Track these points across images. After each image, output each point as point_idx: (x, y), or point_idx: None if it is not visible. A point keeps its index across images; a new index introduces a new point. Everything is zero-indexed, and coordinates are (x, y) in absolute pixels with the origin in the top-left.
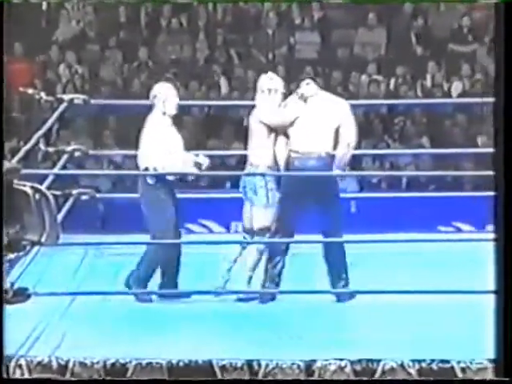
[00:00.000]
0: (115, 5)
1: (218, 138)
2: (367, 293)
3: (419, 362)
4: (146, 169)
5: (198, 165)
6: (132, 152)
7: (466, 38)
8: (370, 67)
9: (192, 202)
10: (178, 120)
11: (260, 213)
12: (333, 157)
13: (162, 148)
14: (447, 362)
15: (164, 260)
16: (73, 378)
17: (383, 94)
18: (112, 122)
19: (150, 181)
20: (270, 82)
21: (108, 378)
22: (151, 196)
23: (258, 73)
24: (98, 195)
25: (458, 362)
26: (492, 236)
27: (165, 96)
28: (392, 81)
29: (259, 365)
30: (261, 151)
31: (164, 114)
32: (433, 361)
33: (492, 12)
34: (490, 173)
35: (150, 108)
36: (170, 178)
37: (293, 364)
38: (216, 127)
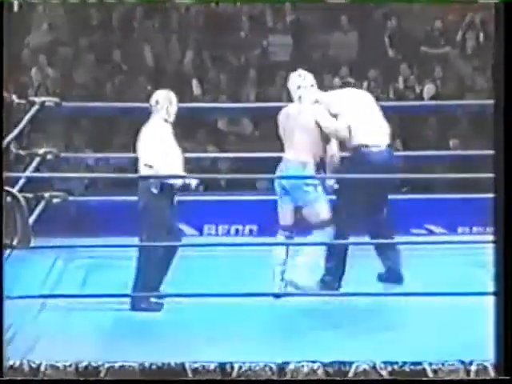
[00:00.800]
0: (87, 7)
1: (193, 140)
2: (367, 295)
3: (391, 363)
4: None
5: (186, 185)
6: (104, 154)
7: (439, 40)
8: (343, 70)
9: None
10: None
11: (314, 208)
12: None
13: (164, 156)
14: (419, 363)
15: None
16: (73, 378)
17: None
18: (84, 124)
19: (154, 190)
20: (300, 80)
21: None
22: (154, 205)
23: (231, 75)
24: (70, 198)
25: (430, 364)
26: (491, 238)
27: (167, 102)
28: (365, 83)
29: (232, 367)
30: (308, 149)
31: (166, 120)
32: (405, 363)
33: (465, 14)
34: (490, 175)
35: (122, 110)
36: (175, 186)
37: (265, 366)
38: (190, 130)
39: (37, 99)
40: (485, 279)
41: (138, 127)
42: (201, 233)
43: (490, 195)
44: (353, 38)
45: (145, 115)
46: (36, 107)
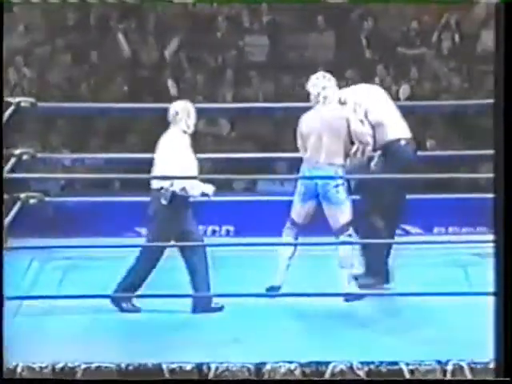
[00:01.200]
0: (64, 7)
1: None
2: (368, 295)
3: (368, 364)
4: (161, 188)
5: (204, 194)
6: (81, 155)
7: (415, 41)
8: (319, 70)
9: (141, 205)
10: (128, 123)
11: (341, 209)
12: None
13: (181, 168)
14: (395, 363)
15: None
16: (75, 379)
17: None
18: (61, 124)
19: (164, 201)
20: (325, 81)
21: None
22: (163, 215)
23: (207, 76)
24: (46, 199)
25: (407, 364)
26: (491, 238)
27: (186, 114)
28: (341, 84)
29: (209, 367)
30: (339, 152)
31: (185, 132)
32: (381, 363)
33: (441, 15)
34: (490, 175)
35: (101, 111)
36: (192, 197)
37: (243, 367)
38: (166, 130)
39: (12, 100)
40: (461, 279)
41: (115, 127)
42: None
43: (467, 195)
44: (329, 39)
45: (121, 115)
46: (12, 108)
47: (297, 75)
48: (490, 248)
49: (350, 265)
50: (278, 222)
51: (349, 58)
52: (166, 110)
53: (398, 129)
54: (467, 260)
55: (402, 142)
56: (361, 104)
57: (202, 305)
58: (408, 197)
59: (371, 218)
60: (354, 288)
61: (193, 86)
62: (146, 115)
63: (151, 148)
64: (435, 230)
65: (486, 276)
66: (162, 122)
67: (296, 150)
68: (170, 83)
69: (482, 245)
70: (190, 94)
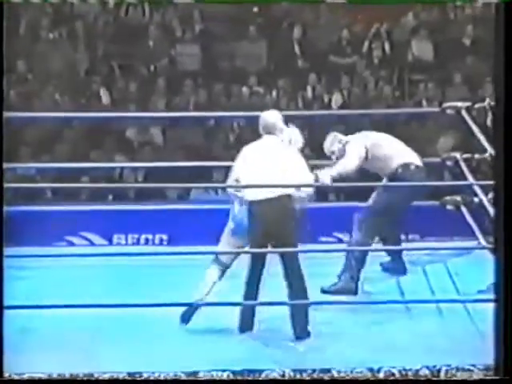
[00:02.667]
0: None
1: (101, 149)
2: (365, 303)
3: (300, 371)
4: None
5: None
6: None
7: (346, 50)
8: (251, 79)
9: (73, 214)
10: (59, 132)
11: None
12: None
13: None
14: (328, 370)
15: None
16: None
17: (265, 106)
18: None
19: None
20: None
21: None
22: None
23: (140, 84)
24: None
25: (339, 372)
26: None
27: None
28: (273, 93)
29: (141, 376)
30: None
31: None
32: (314, 370)
33: (371, 24)
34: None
35: (31, 119)
36: None
37: (175, 375)
38: (98, 139)
39: None
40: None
41: (46, 136)
42: (110, 242)
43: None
44: (261, 48)
45: (53, 124)
46: None
47: (229, 84)
48: (422, 255)
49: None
50: (212, 231)
51: (281, 66)
52: (98, 119)
53: (406, 156)
54: None
55: (412, 167)
56: (371, 142)
57: None
58: (349, 205)
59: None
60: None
61: (125, 94)
62: (76, 124)
63: (86, 156)
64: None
65: (419, 283)
66: (94, 131)
67: (227, 158)
68: (103, 92)
69: (414, 252)
70: (122, 103)
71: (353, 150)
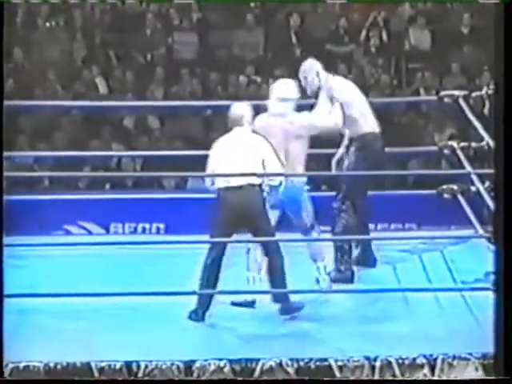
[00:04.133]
0: None
1: (98, 138)
2: (365, 291)
3: (297, 360)
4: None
5: None
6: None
7: (343, 39)
8: (249, 68)
9: (71, 203)
10: (56, 121)
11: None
12: None
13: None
14: (325, 360)
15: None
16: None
17: (263, 95)
18: None
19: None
20: (284, 90)
21: None
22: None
23: (137, 73)
24: None
25: (336, 361)
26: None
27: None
28: (270, 81)
29: (138, 366)
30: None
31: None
32: (310, 359)
33: (368, 13)
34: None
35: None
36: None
37: (172, 364)
38: (95, 128)
39: None
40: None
41: (44, 125)
42: (107, 231)
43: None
44: (258, 37)
45: (51, 113)
46: None
47: (226, 73)
48: (419, 244)
49: (322, 258)
50: (209, 220)
51: (278, 55)
52: (95, 108)
53: (369, 123)
54: (395, 256)
55: (373, 136)
56: (342, 94)
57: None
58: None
59: (343, 213)
60: (327, 282)
61: (122, 83)
62: (74, 113)
63: (84, 145)
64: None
65: (415, 272)
66: (92, 120)
67: None
68: (100, 81)
69: (410, 241)
70: (119, 92)
71: (324, 104)
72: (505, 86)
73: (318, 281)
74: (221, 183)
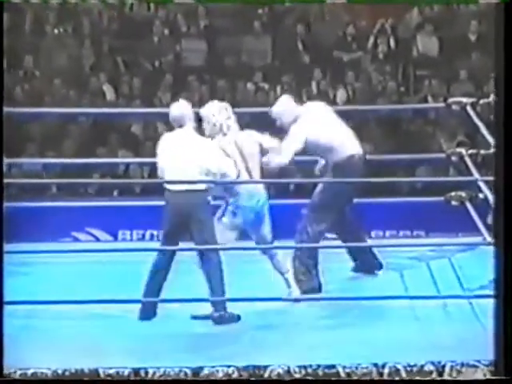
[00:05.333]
0: None
1: (106, 145)
2: (365, 299)
3: (305, 367)
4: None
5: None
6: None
7: (351, 45)
8: (257, 75)
9: (78, 210)
10: (64, 128)
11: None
12: None
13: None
14: (333, 366)
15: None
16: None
17: (270, 102)
18: None
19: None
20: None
21: None
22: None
23: (144, 80)
24: None
25: (344, 368)
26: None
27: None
28: (278, 88)
29: (146, 372)
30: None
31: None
32: (319, 366)
33: (375, 20)
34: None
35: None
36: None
37: (180, 371)
38: (103, 135)
39: None
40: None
41: (52, 132)
42: (115, 238)
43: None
44: (266, 44)
45: (59, 120)
46: None
47: (234, 80)
48: (427, 251)
49: (287, 269)
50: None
51: (286, 62)
52: (103, 115)
53: (352, 145)
54: (403, 263)
55: (356, 156)
56: (315, 123)
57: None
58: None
59: (317, 225)
60: (296, 291)
61: (130, 90)
62: (81, 120)
63: (91, 152)
64: (372, 233)
65: (423, 279)
66: (99, 126)
67: None
68: (107, 87)
69: (418, 248)
70: (127, 99)
71: (293, 139)
72: (505, 86)
73: (288, 292)
74: (169, 186)
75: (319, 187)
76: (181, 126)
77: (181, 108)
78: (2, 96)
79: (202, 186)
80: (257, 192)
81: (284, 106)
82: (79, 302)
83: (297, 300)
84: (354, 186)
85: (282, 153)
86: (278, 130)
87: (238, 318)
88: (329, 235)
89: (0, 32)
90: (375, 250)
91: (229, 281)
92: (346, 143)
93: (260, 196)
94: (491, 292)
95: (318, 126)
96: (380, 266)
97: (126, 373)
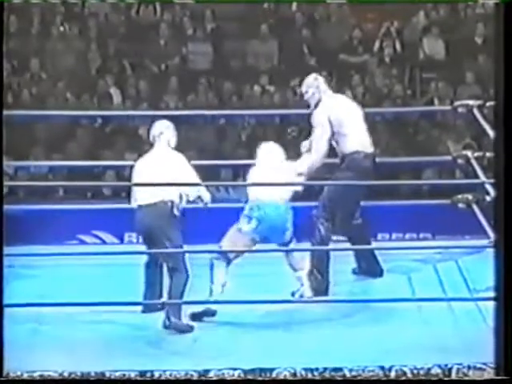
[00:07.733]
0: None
1: (112, 148)
2: (372, 301)
3: (311, 370)
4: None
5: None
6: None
7: (357, 49)
8: (263, 78)
9: (85, 212)
10: (71, 131)
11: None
12: None
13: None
14: (340, 369)
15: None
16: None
17: (276, 105)
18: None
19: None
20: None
21: None
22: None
23: (151, 83)
24: None
25: (350, 370)
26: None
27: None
28: (285, 91)
29: (152, 375)
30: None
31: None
32: (325, 369)
33: (381, 23)
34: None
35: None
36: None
37: (186, 374)
38: (110, 137)
39: None
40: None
41: (58, 135)
42: (121, 241)
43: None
44: (272, 47)
45: (65, 122)
46: None
47: (240, 83)
48: (433, 254)
49: (302, 267)
50: (224, 229)
51: (292, 65)
52: (110, 118)
53: (361, 142)
54: (410, 266)
55: (363, 155)
56: (336, 112)
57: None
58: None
59: (324, 225)
60: (308, 290)
61: (136, 93)
62: (88, 122)
63: (97, 155)
64: (379, 236)
65: (430, 282)
66: (106, 129)
67: (238, 157)
68: (114, 90)
69: (425, 251)
70: (133, 102)
71: (319, 131)
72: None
73: (299, 290)
74: (138, 201)
75: (328, 187)
76: (157, 143)
77: (160, 126)
78: (1, 98)
79: (170, 197)
80: (278, 200)
81: (308, 87)
82: (84, 305)
83: (305, 302)
84: (361, 186)
85: (314, 147)
86: (283, 132)
87: (192, 327)
88: (335, 237)
89: (0, 32)
90: (378, 255)
91: (239, 282)
92: (362, 135)
93: (281, 203)
94: (489, 294)
95: (339, 107)
96: (381, 273)
97: (133, 375)
